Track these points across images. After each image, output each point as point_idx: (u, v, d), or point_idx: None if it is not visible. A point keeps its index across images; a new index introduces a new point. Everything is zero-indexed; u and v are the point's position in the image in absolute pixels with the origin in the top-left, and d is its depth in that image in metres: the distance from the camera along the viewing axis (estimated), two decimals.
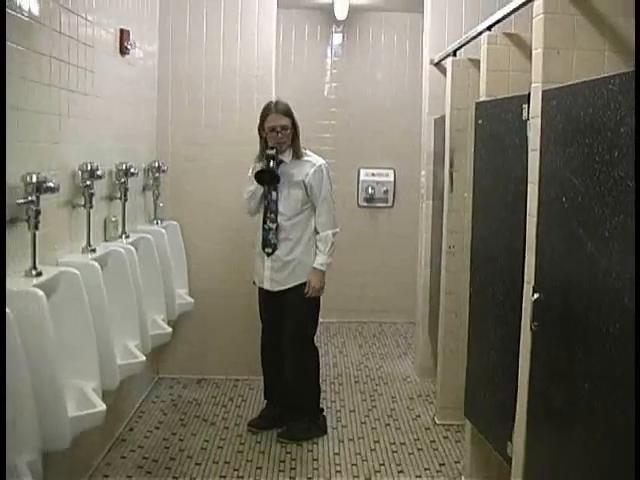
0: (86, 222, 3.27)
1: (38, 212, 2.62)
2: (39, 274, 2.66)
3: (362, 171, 6.57)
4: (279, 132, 3.90)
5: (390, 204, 6.62)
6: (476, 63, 4.02)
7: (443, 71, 4.76)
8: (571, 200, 2.34)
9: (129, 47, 3.85)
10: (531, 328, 2.61)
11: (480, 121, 3.13)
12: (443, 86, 4.74)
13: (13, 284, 2.47)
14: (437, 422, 4.23)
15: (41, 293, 2.43)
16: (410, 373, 5.20)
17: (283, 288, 3.99)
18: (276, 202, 3.99)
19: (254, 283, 4.14)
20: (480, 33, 3.47)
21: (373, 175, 6.57)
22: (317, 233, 4.01)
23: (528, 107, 2.66)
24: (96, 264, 3.05)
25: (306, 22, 6.45)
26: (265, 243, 3.98)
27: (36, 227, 2.64)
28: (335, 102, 6.52)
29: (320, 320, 4.17)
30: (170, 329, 3.91)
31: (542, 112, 2.51)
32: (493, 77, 3.25)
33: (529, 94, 2.65)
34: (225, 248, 4.85)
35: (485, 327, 3.06)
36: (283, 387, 4.17)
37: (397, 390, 4.84)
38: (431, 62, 4.78)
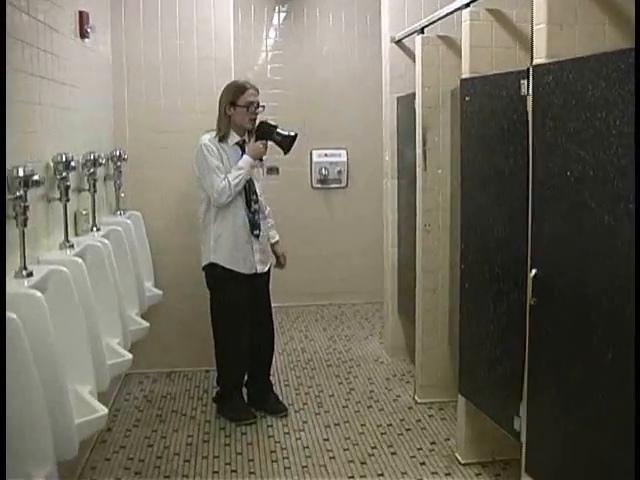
0: (63, 216, 3.10)
1: (26, 208, 2.47)
2: (30, 274, 2.50)
3: (314, 152, 6.50)
4: (256, 107, 3.88)
5: (344, 185, 6.58)
6: (447, 40, 4.03)
7: (405, 49, 4.75)
8: (579, 173, 2.34)
9: (89, 30, 3.65)
10: (530, 304, 2.64)
11: (467, 98, 3.10)
12: (405, 64, 4.76)
13: (7, 286, 2.31)
14: (418, 401, 4.24)
15: (40, 295, 2.28)
16: (380, 354, 5.20)
17: (267, 267, 4.02)
18: (253, 182, 3.96)
19: (228, 275, 4.00)
20: (457, 9, 3.44)
21: (326, 156, 6.51)
22: None
23: (527, 82, 2.64)
24: (79, 260, 2.90)
25: (252, 1, 6.30)
26: (254, 225, 3.92)
27: (24, 224, 2.48)
28: (281, 84, 6.40)
29: (279, 304, 4.24)
30: (147, 324, 3.78)
31: (545, 87, 2.50)
32: (476, 54, 3.23)
33: (528, 69, 2.64)
34: (189, 237, 4.67)
35: (483, 303, 3.06)
36: (258, 367, 4.18)
37: (371, 371, 4.83)
38: (392, 40, 4.74)
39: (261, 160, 3.99)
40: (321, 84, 6.40)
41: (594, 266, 2.26)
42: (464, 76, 3.23)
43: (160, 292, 4.43)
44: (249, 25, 6.30)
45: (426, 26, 4.05)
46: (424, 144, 4.06)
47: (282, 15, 6.39)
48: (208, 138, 3.94)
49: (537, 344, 2.62)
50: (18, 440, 2.08)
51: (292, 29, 6.41)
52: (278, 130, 3.92)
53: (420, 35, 4.05)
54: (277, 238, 4.20)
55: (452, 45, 4.02)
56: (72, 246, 3.12)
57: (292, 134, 3.92)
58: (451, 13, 3.58)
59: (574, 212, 2.36)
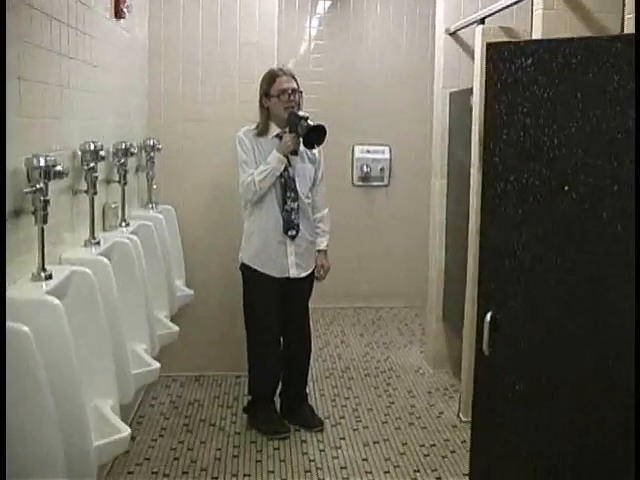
0: (89, 210, 2.85)
1: (47, 202, 2.20)
2: (49, 277, 2.23)
3: (357, 148, 6.19)
4: (290, 94, 3.57)
5: (386, 183, 6.27)
6: (509, 32, 3.70)
7: (460, 42, 4.43)
8: None
9: (125, 10, 3.39)
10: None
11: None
12: (459, 58, 4.45)
13: (21, 291, 2.06)
14: (463, 419, 3.92)
15: (58, 303, 2.02)
16: (421, 364, 4.89)
17: (308, 272, 3.71)
18: (294, 179, 3.65)
19: (256, 276, 3.73)
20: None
21: (368, 152, 6.20)
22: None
23: None
24: (105, 260, 2.64)
25: None
26: (289, 225, 3.62)
27: (44, 220, 2.22)
28: (323, 75, 6.10)
29: (314, 306, 4.04)
30: (177, 328, 3.51)
31: None
32: None
33: None
34: (224, 234, 4.42)
35: None
36: (293, 377, 3.92)
37: (412, 383, 4.53)
38: (446, 31, 4.41)
39: (294, 154, 3.60)
40: (365, 77, 6.09)
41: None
42: None
43: (191, 292, 4.17)
44: (292, 11, 5.98)
45: (487, 16, 3.73)
46: (482, 143, 3.73)
47: (327, 3, 6.08)
48: (244, 130, 3.69)
49: None
50: (29, 466, 1.85)
51: (337, 18, 6.10)
52: (302, 122, 3.50)
53: (481, 26, 3.72)
54: (322, 246, 3.85)
55: (514, 37, 3.69)
56: (98, 243, 2.87)
57: (313, 124, 3.47)
58: (516, 2, 3.25)
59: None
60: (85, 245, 2.84)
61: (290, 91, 3.59)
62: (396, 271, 6.22)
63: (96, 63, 3.03)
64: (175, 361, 4.46)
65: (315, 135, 3.50)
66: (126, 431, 2.23)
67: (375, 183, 6.25)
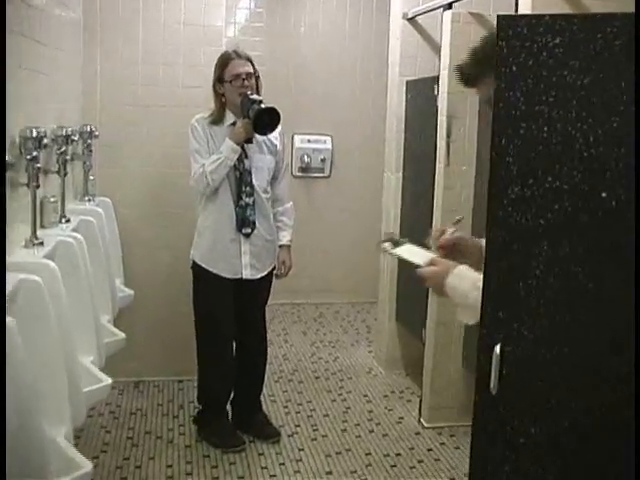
0: (31, 206, 2.49)
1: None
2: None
3: (296, 137, 5.92)
4: (244, 80, 3.27)
5: (327, 174, 6.03)
6: (479, 18, 3.52)
7: (418, 28, 4.23)
8: None
9: None
10: None
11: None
12: (416, 44, 4.25)
13: None
14: (425, 425, 3.75)
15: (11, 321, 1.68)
16: (372, 364, 4.69)
17: (264, 274, 3.41)
18: (250, 171, 3.36)
19: (206, 276, 3.44)
20: None
21: (309, 142, 5.94)
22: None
23: None
24: (52, 264, 2.29)
25: None
26: (243, 222, 3.33)
27: None
28: (262, 60, 5.76)
29: None
30: (123, 335, 3.18)
31: None
32: None
33: None
34: (166, 229, 4.09)
35: None
36: (246, 385, 3.64)
37: (365, 386, 4.32)
38: (404, 17, 4.20)
39: (249, 142, 3.31)
40: (308, 63, 5.81)
41: None
42: None
43: (132, 292, 3.81)
44: None
45: (455, 1, 3.53)
46: (448, 135, 3.55)
47: None
48: (197, 117, 3.40)
49: None
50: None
51: (278, 0, 5.80)
52: (255, 105, 3.20)
53: (449, 11, 3.53)
54: (284, 241, 3.58)
55: (485, 24, 3.51)
56: (41, 243, 2.51)
57: (263, 107, 3.18)
58: None
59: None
60: (26, 246, 2.48)
61: (244, 76, 3.29)
62: (337, 266, 6.01)
63: (36, 37, 2.66)
64: (112, 366, 4.08)
65: (267, 119, 3.22)
66: (87, 466, 1.92)
67: (316, 174, 6.00)
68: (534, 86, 1.82)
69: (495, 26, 1.81)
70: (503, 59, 1.82)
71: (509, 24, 1.82)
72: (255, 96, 3.26)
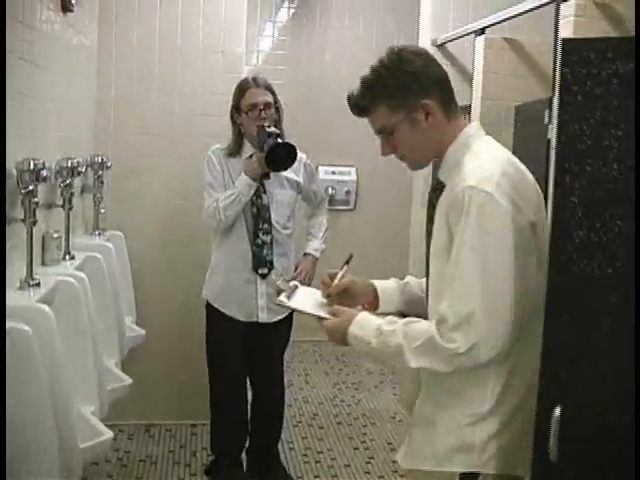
0: (27, 242, 2.29)
1: None
2: None
3: (321, 169, 5.72)
4: (262, 110, 3.04)
5: (352, 207, 5.82)
6: (514, 44, 3.30)
7: (447, 55, 4.02)
8: None
9: (73, 2, 2.85)
10: None
11: None
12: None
13: None
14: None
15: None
16: (396, 409, 4.42)
17: (282, 316, 3.17)
18: (268, 208, 3.14)
19: (219, 317, 3.22)
20: (545, 3, 2.73)
21: (333, 174, 5.74)
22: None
23: None
24: (47, 309, 2.08)
25: None
26: (259, 262, 3.11)
27: None
28: (284, 89, 5.60)
29: None
30: (129, 380, 2.94)
31: None
32: None
33: None
34: (181, 265, 3.90)
35: None
36: (262, 435, 3.40)
37: (389, 433, 4.05)
38: (433, 43, 3.99)
39: (265, 177, 3.11)
40: (331, 92, 5.60)
41: None
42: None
43: (143, 332, 3.58)
44: (252, 18, 5.49)
45: (488, 26, 3.33)
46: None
47: (292, 11, 5.62)
48: (214, 148, 3.21)
49: None
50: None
51: (302, 27, 5.64)
52: (270, 139, 2.97)
53: (482, 36, 3.32)
54: (309, 249, 3.40)
55: (519, 50, 3.31)
56: (38, 284, 2.31)
57: (278, 141, 2.96)
58: (540, 7, 2.85)
59: None
60: (21, 287, 2.28)
61: (262, 106, 3.07)
62: None
63: (37, 62, 2.48)
64: (121, 408, 3.86)
65: (283, 155, 2.99)
66: None
67: (340, 207, 5.79)
68: (603, 118, 1.58)
69: (413, 52, 1.74)
70: (567, 88, 1.59)
71: (574, 48, 1.59)
72: (272, 129, 3.04)
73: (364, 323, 1.72)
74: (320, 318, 1.82)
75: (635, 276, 1.46)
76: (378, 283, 1.97)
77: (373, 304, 1.94)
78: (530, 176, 1.71)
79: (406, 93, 1.69)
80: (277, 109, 3.15)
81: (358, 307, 1.93)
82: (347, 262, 2.06)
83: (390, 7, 5.56)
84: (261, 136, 3.04)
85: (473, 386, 1.66)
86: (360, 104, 1.76)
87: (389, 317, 1.72)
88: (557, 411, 1.57)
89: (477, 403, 1.66)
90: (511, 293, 1.58)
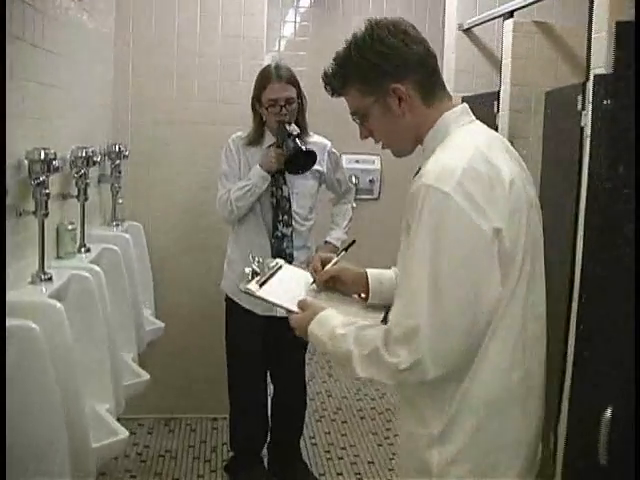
0: (38, 235, 2.22)
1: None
2: None
3: (344, 157, 5.57)
4: (283, 106, 2.93)
5: (376, 196, 5.69)
6: (544, 27, 3.15)
7: (474, 39, 3.88)
8: None
9: None
10: None
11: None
12: (472, 58, 3.90)
13: None
14: None
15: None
16: None
17: None
18: (288, 199, 3.04)
19: (237, 310, 3.13)
20: None
21: (357, 162, 5.62)
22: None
23: None
24: (58, 305, 2.00)
25: None
26: (279, 255, 2.99)
27: None
28: (306, 75, 5.48)
29: None
30: (147, 376, 2.86)
31: None
32: None
33: None
34: (201, 256, 3.82)
35: None
36: (283, 432, 3.32)
37: None
38: (459, 27, 3.85)
39: (279, 177, 3.04)
40: None
41: None
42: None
43: (162, 325, 3.52)
44: (275, 4, 5.37)
45: (518, 9, 3.18)
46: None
47: None
48: (234, 137, 3.12)
49: None
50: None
51: (323, 13, 5.50)
52: (289, 141, 2.92)
53: (510, 20, 3.17)
54: (330, 238, 3.27)
55: (550, 34, 3.15)
56: (50, 279, 2.23)
57: (300, 147, 2.90)
58: None
59: None
60: (33, 281, 2.20)
61: (283, 102, 2.96)
62: None
63: (51, 48, 2.40)
64: (141, 401, 3.79)
65: (302, 161, 2.94)
66: None
67: (364, 196, 5.66)
68: None
69: (390, 28, 1.55)
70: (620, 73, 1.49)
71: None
72: (292, 127, 2.95)
73: (323, 322, 1.60)
74: (288, 311, 1.71)
75: (635, 277, 1.39)
76: (372, 273, 1.82)
77: (367, 294, 1.82)
78: (509, 172, 1.46)
79: (377, 76, 1.54)
80: (300, 101, 3.04)
81: (354, 296, 1.83)
82: (346, 249, 1.95)
83: None
84: (280, 133, 2.96)
85: (428, 403, 1.50)
86: (332, 84, 1.62)
87: (347, 318, 1.58)
88: (608, 413, 1.49)
89: (432, 422, 1.49)
90: (463, 307, 1.40)
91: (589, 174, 2.38)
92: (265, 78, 3.00)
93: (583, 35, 2.95)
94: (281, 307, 1.76)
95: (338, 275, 1.82)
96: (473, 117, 1.61)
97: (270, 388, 3.36)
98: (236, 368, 3.19)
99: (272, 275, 1.86)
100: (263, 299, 1.78)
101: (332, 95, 1.64)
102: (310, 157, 2.92)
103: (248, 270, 1.84)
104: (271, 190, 3.02)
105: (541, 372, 1.55)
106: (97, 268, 2.49)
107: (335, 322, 1.57)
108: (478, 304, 1.41)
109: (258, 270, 1.84)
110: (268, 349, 3.16)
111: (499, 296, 1.42)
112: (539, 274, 1.54)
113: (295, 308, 1.71)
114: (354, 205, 3.41)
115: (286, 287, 1.83)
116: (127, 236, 3.22)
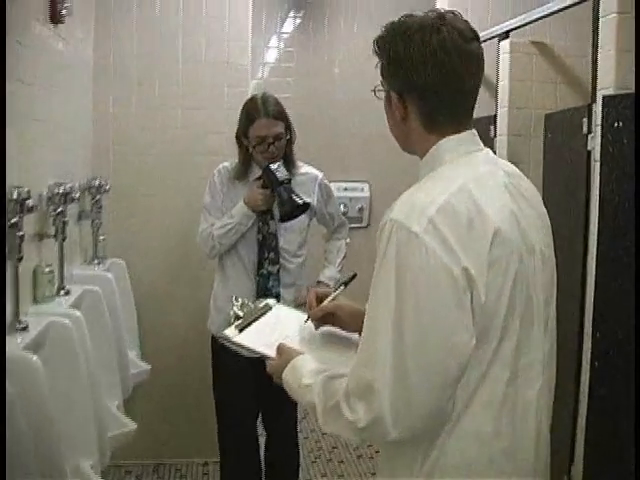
0: (11, 281, 2.04)
1: None
2: None
3: (332, 185, 5.43)
4: (271, 144, 2.77)
5: (366, 224, 5.55)
6: (542, 47, 3.05)
7: None
8: None
9: (64, 13, 2.61)
10: None
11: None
12: None
13: None
14: None
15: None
16: None
17: None
18: (275, 235, 2.87)
19: (224, 352, 2.93)
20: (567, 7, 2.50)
21: (346, 190, 5.47)
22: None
23: None
24: (34, 359, 1.83)
25: (264, 2, 5.28)
26: (263, 294, 2.80)
27: None
28: (291, 102, 5.36)
29: None
30: (134, 425, 2.69)
31: None
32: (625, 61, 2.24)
33: None
34: (185, 292, 3.65)
35: None
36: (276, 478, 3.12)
37: None
38: None
39: (266, 213, 2.85)
40: (342, 104, 5.37)
41: None
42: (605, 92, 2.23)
43: (148, 367, 3.34)
44: (258, 29, 5.25)
45: (513, 29, 3.08)
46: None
47: (297, 21, 5.38)
48: (220, 167, 2.96)
49: None
50: None
51: (309, 38, 5.39)
52: (282, 190, 2.73)
53: (507, 40, 3.06)
54: (323, 278, 3.06)
55: (548, 54, 3.05)
56: (25, 328, 2.06)
57: (298, 202, 2.73)
58: (575, 4, 2.60)
59: None
60: (7, 332, 2.03)
61: (271, 139, 2.78)
62: None
63: (24, 77, 2.24)
64: (127, 447, 3.58)
65: (294, 210, 2.78)
66: None
67: (353, 225, 5.49)
68: None
69: (417, 34, 1.36)
70: None
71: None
72: (281, 172, 2.76)
73: (296, 369, 1.46)
74: (265, 357, 1.57)
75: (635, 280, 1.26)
76: None
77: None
78: (496, 219, 1.26)
79: (388, 70, 1.41)
80: (289, 135, 2.88)
81: (355, 335, 1.64)
82: (345, 283, 1.81)
83: (402, 13, 5.31)
84: (269, 176, 2.78)
85: (399, 460, 1.35)
86: (374, 46, 1.45)
87: (319, 367, 1.42)
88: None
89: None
90: (429, 361, 1.22)
91: (601, 201, 2.26)
92: (252, 114, 2.82)
93: (583, 54, 2.86)
94: (258, 353, 1.61)
95: (334, 312, 1.66)
96: (480, 146, 1.43)
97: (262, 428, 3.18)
98: (225, 412, 3.01)
99: (257, 318, 1.72)
100: (239, 345, 1.64)
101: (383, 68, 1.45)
102: (303, 209, 2.77)
103: (231, 313, 1.71)
104: (257, 226, 2.85)
105: (537, 448, 1.35)
106: (77, 313, 2.33)
107: (304, 370, 1.43)
108: (446, 358, 1.23)
109: (240, 313, 1.70)
110: (259, 391, 2.98)
111: (470, 351, 1.23)
112: (537, 334, 1.33)
113: (272, 354, 1.56)
114: (348, 240, 3.24)
115: (271, 330, 1.68)
116: (109, 275, 3.05)
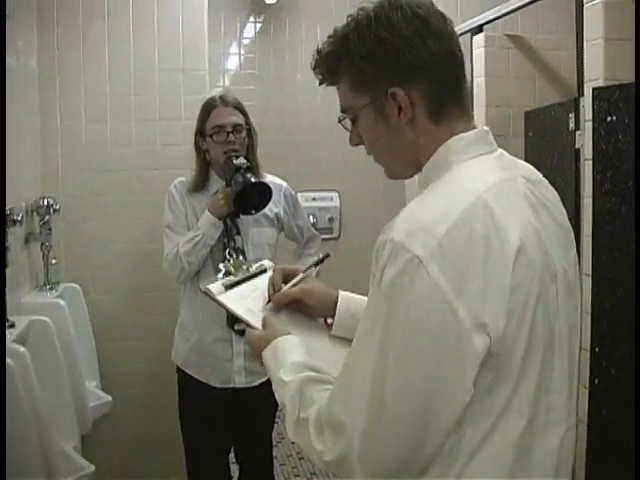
0: None
1: None
2: None
3: (299, 196, 5.23)
4: (230, 133, 2.56)
5: (336, 235, 5.35)
6: (518, 41, 2.89)
7: None
8: None
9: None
10: None
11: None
12: None
13: None
14: None
15: None
16: None
17: (264, 379, 2.60)
18: (242, 251, 2.65)
19: (191, 384, 2.71)
20: None
21: (314, 200, 5.27)
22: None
23: None
24: None
25: (221, 7, 5.06)
26: (234, 317, 2.56)
27: None
28: (255, 110, 5.15)
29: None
30: (92, 467, 2.44)
31: None
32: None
33: None
34: (147, 317, 3.41)
35: None
36: None
37: None
38: None
39: (235, 216, 2.61)
40: (307, 112, 5.17)
41: None
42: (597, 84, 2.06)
43: (109, 398, 3.09)
44: (217, 34, 5.03)
45: (486, 23, 2.90)
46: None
47: (258, 26, 5.17)
48: (176, 182, 2.73)
49: None
50: None
51: (270, 44, 5.19)
52: (238, 175, 2.49)
53: (481, 34, 2.89)
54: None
55: (526, 48, 2.89)
56: None
57: (250, 180, 2.48)
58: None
59: None
60: None
61: (230, 128, 2.57)
62: None
63: None
64: None
65: (254, 196, 2.53)
66: None
67: (323, 236, 5.27)
68: None
69: (408, 9, 1.13)
70: None
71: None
72: (240, 160, 2.54)
73: (277, 354, 1.30)
74: (248, 326, 1.42)
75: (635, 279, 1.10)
76: (344, 298, 1.49)
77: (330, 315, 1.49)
78: (518, 234, 1.04)
79: (375, 71, 1.15)
80: (249, 132, 2.67)
81: (319, 320, 1.50)
82: (316, 264, 1.62)
83: None
84: (228, 168, 2.56)
85: None
86: (322, 68, 1.24)
87: (301, 360, 1.26)
88: None
89: None
90: (411, 416, 1.02)
91: (594, 205, 2.08)
92: (209, 105, 2.65)
93: (563, 47, 2.69)
94: (240, 318, 1.45)
95: (301, 299, 1.47)
96: (494, 146, 1.20)
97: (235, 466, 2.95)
98: (194, 449, 2.75)
99: (248, 278, 1.53)
100: (221, 305, 1.47)
101: (320, 83, 1.26)
102: (263, 192, 2.52)
103: (222, 267, 1.59)
104: (223, 242, 2.62)
105: None
106: (21, 349, 2.09)
107: (285, 361, 1.27)
108: (430, 417, 1.02)
109: (232, 270, 1.55)
110: (230, 425, 2.74)
111: (463, 407, 1.02)
112: (560, 372, 1.12)
113: (257, 324, 1.40)
114: (320, 256, 3.01)
115: (259, 296, 1.49)
116: (62, 302, 2.81)
